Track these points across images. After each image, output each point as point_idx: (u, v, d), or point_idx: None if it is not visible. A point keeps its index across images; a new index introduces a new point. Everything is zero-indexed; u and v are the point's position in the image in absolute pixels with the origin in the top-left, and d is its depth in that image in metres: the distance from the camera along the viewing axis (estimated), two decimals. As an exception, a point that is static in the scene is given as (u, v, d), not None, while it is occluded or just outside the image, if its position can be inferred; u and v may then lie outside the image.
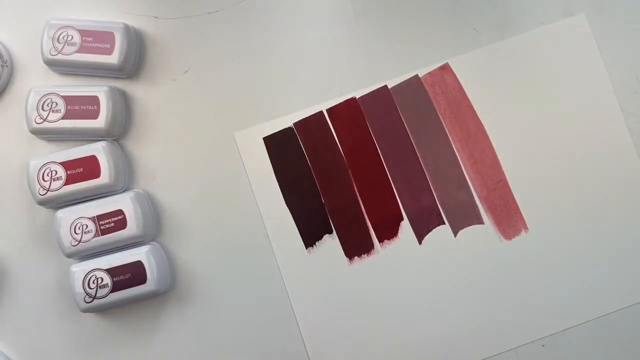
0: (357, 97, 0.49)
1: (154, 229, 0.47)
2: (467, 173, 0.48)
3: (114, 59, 0.46)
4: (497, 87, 0.49)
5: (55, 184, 0.45)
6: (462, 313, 0.47)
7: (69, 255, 0.45)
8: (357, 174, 0.48)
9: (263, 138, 0.49)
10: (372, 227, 0.48)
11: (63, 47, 0.46)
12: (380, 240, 0.48)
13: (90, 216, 0.45)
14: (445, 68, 0.49)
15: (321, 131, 0.49)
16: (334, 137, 0.49)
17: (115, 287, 0.45)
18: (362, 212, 0.48)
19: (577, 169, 0.48)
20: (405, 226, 0.48)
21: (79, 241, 0.45)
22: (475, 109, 0.48)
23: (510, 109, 0.48)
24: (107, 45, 0.46)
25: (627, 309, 0.47)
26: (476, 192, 0.48)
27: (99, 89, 0.46)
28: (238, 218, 0.48)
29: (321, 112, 0.49)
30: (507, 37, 0.49)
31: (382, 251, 0.48)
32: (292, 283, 0.47)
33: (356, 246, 0.48)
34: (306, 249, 0.48)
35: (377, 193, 0.48)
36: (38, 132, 0.46)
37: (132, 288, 0.45)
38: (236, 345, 0.47)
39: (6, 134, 0.48)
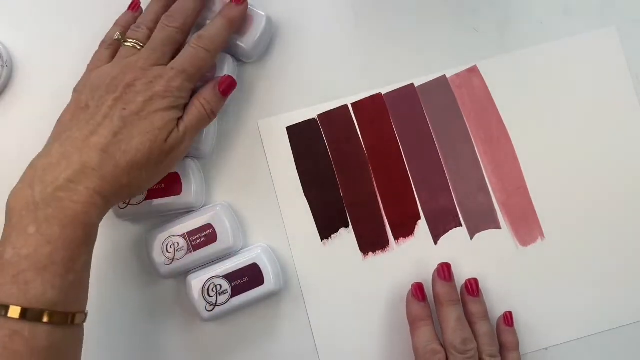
0: (382, 93, 0.49)
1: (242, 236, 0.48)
2: (488, 177, 0.48)
3: None
4: (524, 93, 0.49)
5: (136, 199, 0.45)
6: (472, 316, 0.47)
7: (165, 276, 0.46)
8: (377, 169, 0.48)
9: (286, 127, 0.49)
10: (389, 223, 0.48)
11: None
12: (396, 238, 0.48)
13: (180, 233, 0.45)
14: (473, 70, 0.49)
15: (345, 124, 0.49)
16: (357, 132, 0.49)
17: (235, 292, 0.44)
18: (379, 208, 0.48)
19: (599, 182, 0.48)
20: (422, 225, 0.48)
21: (172, 259, 0.45)
22: (501, 114, 0.48)
23: (535, 117, 0.48)
24: (208, 74, 0.46)
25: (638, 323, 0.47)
26: (495, 196, 0.48)
27: None
28: (255, 207, 0.48)
29: (346, 105, 0.49)
30: (538, 44, 0.49)
31: (397, 248, 0.48)
32: (305, 274, 0.48)
33: (371, 242, 0.48)
34: (321, 240, 0.48)
35: (396, 190, 0.48)
36: None
37: (251, 290, 0.45)
38: (238, 333, 0.47)
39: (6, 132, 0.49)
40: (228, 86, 0.44)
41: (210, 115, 0.43)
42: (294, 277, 0.48)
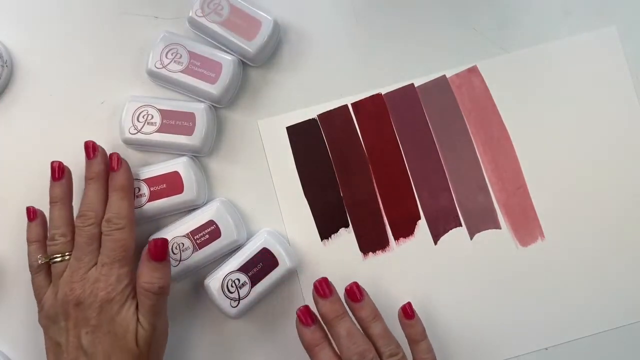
0: (382, 93, 0.49)
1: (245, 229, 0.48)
2: (488, 177, 0.48)
3: (215, 89, 0.46)
4: (524, 93, 0.49)
5: (140, 200, 0.45)
6: (472, 316, 0.47)
7: (175, 278, 0.45)
8: (377, 169, 0.48)
9: (286, 127, 0.49)
10: (389, 223, 0.48)
11: (170, 63, 0.46)
12: (396, 238, 0.48)
13: (184, 233, 0.45)
14: (473, 70, 0.49)
15: (345, 124, 0.49)
16: (357, 132, 0.49)
17: (254, 281, 0.44)
18: (380, 208, 0.48)
19: (599, 181, 0.48)
20: (422, 225, 0.48)
21: (179, 260, 0.45)
22: (501, 114, 0.48)
23: (535, 117, 0.48)
24: (213, 75, 0.46)
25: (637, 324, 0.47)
26: (495, 196, 0.48)
27: (196, 107, 0.46)
28: (255, 207, 0.48)
29: (346, 105, 0.49)
30: (538, 44, 0.49)
31: (397, 249, 0.48)
32: (306, 274, 0.48)
33: (372, 242, 0.48)
34: (321, 240, 0.48)
35: (396, 190, 0.48)
36: (130, 143, 0.46)
37: (269, 275, 0.45)
38: (246, 331, 0.47)
39: (6, 132, 0.49)
40: (160, 251, 0.42)
41: (160, 293, 0.41)
42: (294, 277, 0.48)
